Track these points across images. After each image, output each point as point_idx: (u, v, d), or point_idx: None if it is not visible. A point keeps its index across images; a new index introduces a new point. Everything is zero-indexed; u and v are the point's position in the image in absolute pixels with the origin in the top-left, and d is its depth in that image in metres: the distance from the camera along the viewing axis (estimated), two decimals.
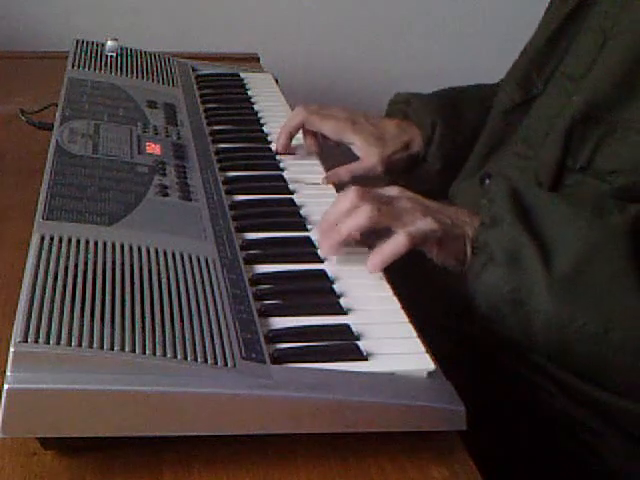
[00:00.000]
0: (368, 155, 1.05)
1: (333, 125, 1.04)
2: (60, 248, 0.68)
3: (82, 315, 0.61)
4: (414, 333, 0.71)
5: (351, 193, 0.79)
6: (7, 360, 0.56)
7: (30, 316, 0.59)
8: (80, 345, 0.58)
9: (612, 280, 0.73)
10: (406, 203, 0.80)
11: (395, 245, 0.76)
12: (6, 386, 0.55)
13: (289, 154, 1.03)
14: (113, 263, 0.68)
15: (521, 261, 0.74)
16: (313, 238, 0.83)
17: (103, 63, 1.17)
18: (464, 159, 1.06)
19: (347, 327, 0.70)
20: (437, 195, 1.07)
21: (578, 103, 0.85)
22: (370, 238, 0.80)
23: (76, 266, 0.66)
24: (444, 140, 1.08)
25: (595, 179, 0.83)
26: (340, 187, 0.97)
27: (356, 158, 1.06)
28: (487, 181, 0.96)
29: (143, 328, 0.61)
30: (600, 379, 0.81)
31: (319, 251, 0.81)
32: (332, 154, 1.07)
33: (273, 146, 1.06)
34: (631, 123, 0.81)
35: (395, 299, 0.75)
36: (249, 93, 1.24)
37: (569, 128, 0.84)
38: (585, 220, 0.76)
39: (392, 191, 0.82)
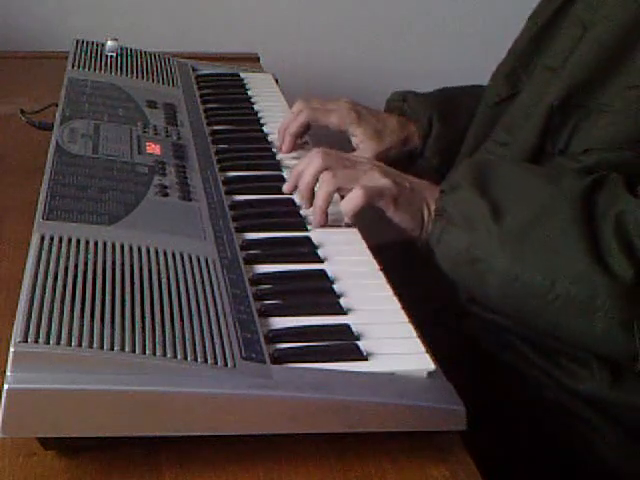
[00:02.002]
0: (364, 149, 1.06)
1: (338, 116, 1.06)
2: (60, 248, 0.68)
3: (82, 315, 0.61)
4: (414, 333, 0.71)
5: (315, 158, 0.87)
6: (7, 360, 0.56)
7: (30, 316, 0.59)
8: (80, 345, 0.58)
9: (561, 236, 0.75)
10: (368, 167, 0.86)
11: (352, 199, 0.83)
12: (6, 386, 0.55)
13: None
14: (113, 263, 0.68)
15: (475, 221, 0.78)
16: (313, 238, 0.84)
17: (103, 63, 1.17)
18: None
19: (347, 327, 0.70)
20: None
21: (556, 91, 0.87)
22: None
23: (76, 266, 0.66)
24: (441, 135, 1.09)
25: (569, 160, 0.85)
26: None
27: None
28: None
29: (143, 328, 0.61)
30: (551, 335, 0.83)
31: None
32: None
33: (273, 146, 1.05)
34: (604, 107, 0.83)
35: (395, 299, 0.75)
36: (249, 93, 1.24)
37: (548, 114, 0.87)
38: (539, 182, 0.81)
39: (362, 159, 0.90)
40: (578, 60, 0.87)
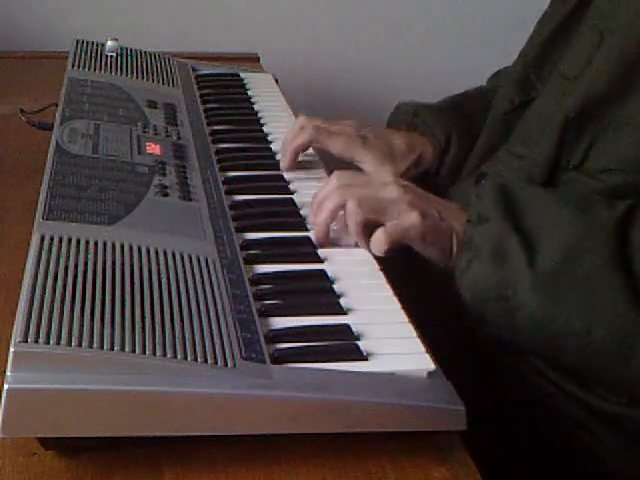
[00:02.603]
0: (377, 176, 0.99)
1: (342, 143, 1.00)
2: (60, 248, 0.68)
3: (82, 315, 0.61)
4: (414, 333, 0.71)
5: (335, 185, 0.82)
6: (7, 360, 0.56)
7: (30, 316, 0.59)
8: (80, 345, 0.58)
9: (596, 277, 0.72)
10: (393, 192, 0.81)
11: (375, 243, 0.80)
12: (6, 386, 0.55)
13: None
14: (113, 263, 0.68)
15: (506, 257, 0.74)
16: (313, 238, 0.84)
17: (103, 63, 1.17)
18: None
19: (347, 327, 0.70)
20: None
21: (573, 101, 0.84)
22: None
23: (76, 266, 0.66)
24: (460, 153, 1.05)
25: (588, 177, 0.83)
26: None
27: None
28: (483, 181, 0.96)
29: (143, 328, 0.61)
30: (583, 376, 0.81)
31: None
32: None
33: (273, 146, 1.05)
34: (624, 121, 0.81)
35: (395, 299, 0.75)
36: (249, 93, 1.24)
37: (563, 126, 0.84)
38: (570, 215, 0.76)
39: (387, 178, 0.84)
40: (596, 70, 0.84)
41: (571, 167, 0.84)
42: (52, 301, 0.62)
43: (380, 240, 0.79)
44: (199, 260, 0.72)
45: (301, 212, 0.89)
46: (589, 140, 0.83)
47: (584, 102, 0.83)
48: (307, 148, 1.01)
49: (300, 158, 1.01)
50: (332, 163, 1.03)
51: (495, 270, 0.75)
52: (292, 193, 0.93)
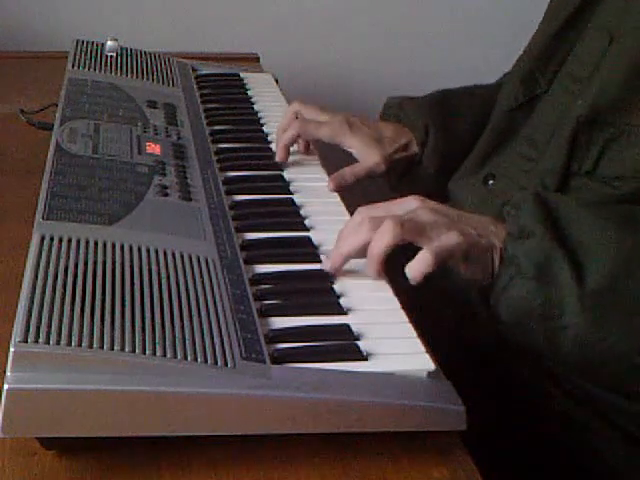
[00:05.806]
0: (368, 155, 1.02)
1: (329, 130, 1.01)
2: (60, 248, 0.68)
3: (82, 315, 0.61)
4: (414, 333, 0.71)
5: (364, 213, 0.78)
6: (7, 360, 0.56)
7: (30, 316, 0.59)
8: (80, 345, 0.58)
9: None
10: (428, 215, 0.77)
11: (421, 264, 0.73)
12: (6, 386, 0.55)
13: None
14: (113, 263, 0.68)
15: (552, 275, 0.71)
16: (313, 238, 0.83)
17: (103, 63, 1.17)
18: (459, 161, 1.05)
19: (347, 327, 0.70)
20: (433, 196, 1.06)
21: (583, 106, 0.83)
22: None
23: (76, 266, 0.66)
24: (438, 143, 1.06)
25: (601, 184, 0.82)
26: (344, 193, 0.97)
27: (354, 160, 1.04)
28: (491, 181, 0.96)
29: (143, 328, 0.61)
30: (625, 394, 0.80)
31: (324, 266, 0.78)
32: (333, 155, 1.06)
33: (273, 146, 1.05)
34: (636, 129, 0.80)
35: (395, 299, 0.75)
36: (249, 93, 1.24)
37: (574, 132, 0.83)
38: (615, 232, 0.74)
39: (412, 202, 0.80)
40: (607, 74, 0.83)
41: (583, 173, 0.83)
42: (52, 301, 0.62)
43: (426, 261, 0.73)
44: (199, 260, 0.72)
45: (301, 212, 0.89)
46: (600, 146, 0.82)
47: (594, 107, 0.82)
48: (297, 140, 1.03)
49: (298, 157, 1.02)
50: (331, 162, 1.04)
51: (540, 288, 0.72)
52: (292, 193, 0.93)
